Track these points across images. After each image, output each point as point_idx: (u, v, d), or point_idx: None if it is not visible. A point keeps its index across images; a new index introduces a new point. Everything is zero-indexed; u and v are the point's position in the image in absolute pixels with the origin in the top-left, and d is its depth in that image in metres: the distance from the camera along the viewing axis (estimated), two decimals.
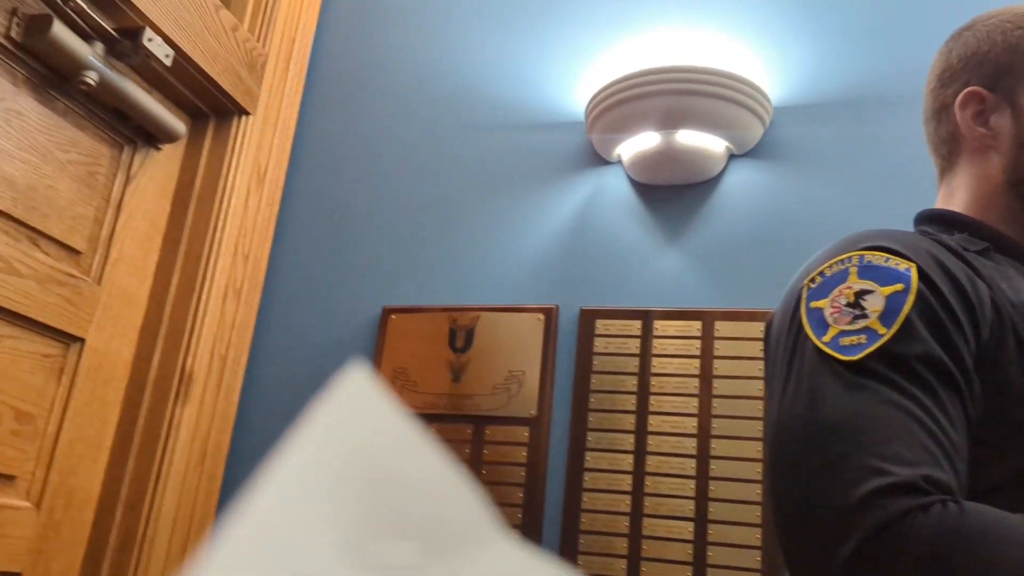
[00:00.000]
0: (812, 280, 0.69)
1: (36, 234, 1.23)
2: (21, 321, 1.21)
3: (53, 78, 1.25)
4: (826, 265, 0.69)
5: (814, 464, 0.60)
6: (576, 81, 1.53)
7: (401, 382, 1.41)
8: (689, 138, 1.33)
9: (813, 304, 0.67)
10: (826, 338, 0.64)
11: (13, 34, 1.17)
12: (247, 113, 1.55)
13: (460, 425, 1.36)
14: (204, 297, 1.44)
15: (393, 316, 1.47)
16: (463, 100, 1.60)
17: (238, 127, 1.54)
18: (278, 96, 1.64)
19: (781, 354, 0.69)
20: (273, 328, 1.56)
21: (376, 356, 1.45)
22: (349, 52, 1.73)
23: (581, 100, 1.50)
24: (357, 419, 0.28)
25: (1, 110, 1.17)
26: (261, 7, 1.63)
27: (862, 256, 0.68)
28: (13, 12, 1.18)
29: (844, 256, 0.69)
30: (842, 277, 0.67)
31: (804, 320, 0.67)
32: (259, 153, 1.58)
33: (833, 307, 0.66)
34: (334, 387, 0.28)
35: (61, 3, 1.21)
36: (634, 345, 1.30)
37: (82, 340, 1.31)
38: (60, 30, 1.20)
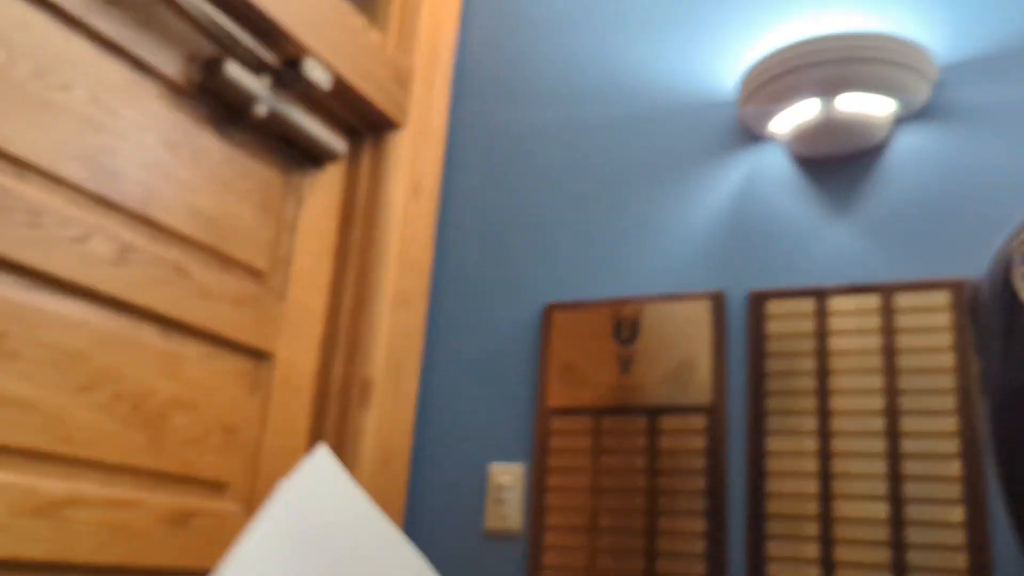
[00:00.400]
0: (1022, 243, 0.67)
1: (226, 260, 1.33)
2: (220, 341, 1.30)
3: (228, 113, 1.34)
4: None
5: None
6: (723, 60, 1.51)
7: (569, 377, 1.44)
8: (850, 105, 1.29)
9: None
10: None
11: (193, 77, 1.27)
12: (400, 126, 1.61)
13: (633, 417, 1.37)
14: (376, 308, 1.51)
15: (556, 313, 1.50)
16: (609, 90, 1.61)
17: (392, 141, 1.61)
18: (427, 106, 1.69)
19: (995, 322, 0.67)
20: (441, 333, 1.62)
21: (542, 354, 1.48)
22: (492, 55, 1.77)
23: (730, 78, 1.48)
24: (318, 503, 0.29)
25: (189, 148, 1.27)
26: (404, 22, 1.68)
27: None
28: (192, 57, 1.27)
29: None
30: None
31: (1018, 286, 0.65)
32: (414, 163, 1.64)
33: None
34: (297, 472, 0.29)
35: (232, 44, 1.29)
36: (809, 325, 1.27)
37: (272, 355, 1.40)
38: (233, 69, 1.28)
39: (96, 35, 1.13)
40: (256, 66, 1.34)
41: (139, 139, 1.19)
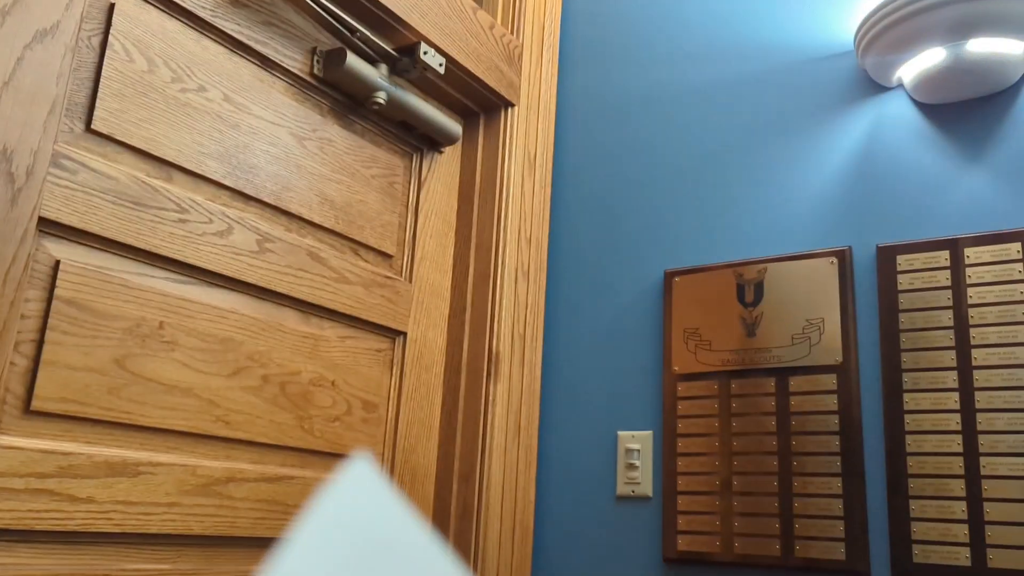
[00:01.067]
0: None
1: (357, 245, 1.39)
2: (356, 323, 1.37)
3: (350, 103, 1.40)
4: None
5: None
6: (840, 9, 1.45)
7: (694, 343, 1.44)
8: (980, 46, 1.23)
9: None
10: None
11: (315, 70, 1.32)
12: (512, 104, 1.63)
13: (761, 379, 1.35)
14: (498, 283, 1.54)
15: (676, 279, 1.49)
16: (721, 49, 1.58)
17: (505, 119, 1.63)
18: (537, 82, 1.71)
19: None
20: (562, 305, 1.64)
21: (664, 320, 1.48)
22: (597, 25, 1.76)
23: (849, 28, 1.43)
24: (357, 512, 0.29)
25: (316, 139, 1.33)
26: (511, 0, 1.70)
27: None
28: (313, 51, 1.33)
29: None
30: None
31: None
32: (527, 140, 1.66)
33: None
34: (335, 481, 0.29)
35: (350, 35, 1.34)
36: (943, 277, 1.23)
37: (404, 334, 1.45)
38: (353, 60, 1.33)
39: (226, 36, 1.20)
40: (374, 55, 1.39)
41: (270, 134, 1.25)
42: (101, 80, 1.03)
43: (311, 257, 1.29)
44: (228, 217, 1.16)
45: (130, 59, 1.07)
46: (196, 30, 1.16)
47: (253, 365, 1.18)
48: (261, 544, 1.17)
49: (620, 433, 1.50)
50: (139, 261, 1.05)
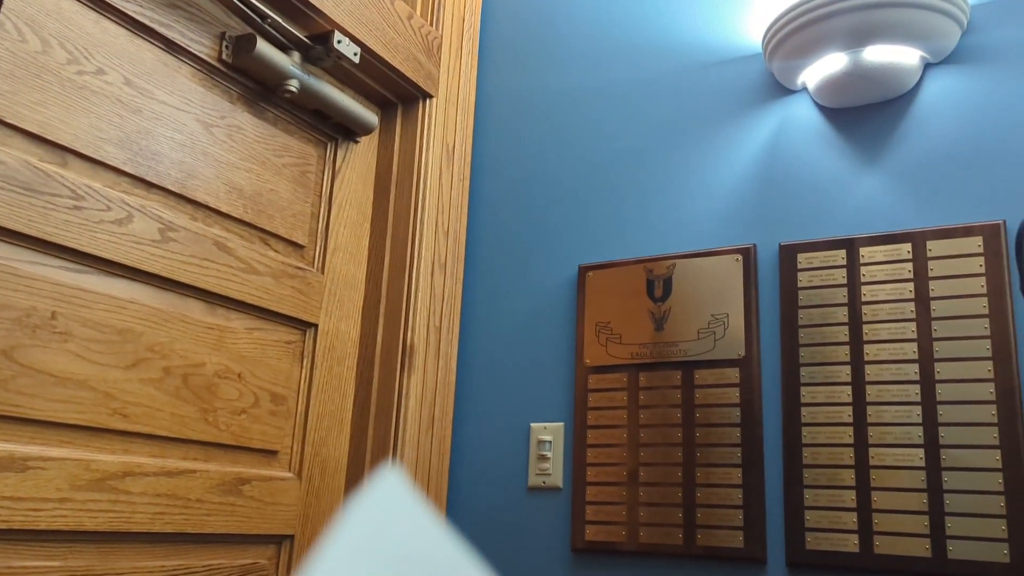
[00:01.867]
0: None
1: (266, 234, 1.37)
2: (265, 314, 1.35)
3: (261, 90, 1.37)
4: None
5: None
6: (749, 13, 1.49)
7: (606, 336, 1.46)
8: (879, 54, 1.27)
9: None
10: None
11: (224, 56, 1.30)
12: (430, 96, 1.63)
13: (668, 372, 1.38)
14: (415, 274, 1.54)
15: (590, 273, 1.51)
16: (635, 51, 1.60)
17: (423, 110, 1.63)
18: (456, 75, 1.71)
19: None
20: (479, 297, 1.65)
21: (578, 314, 1.50)
22: (517, 20, 1.77)
23: (756, 31, 1.46)
24: (389, 522, 0.30)
25: (224, 126, 1.31)
26: None
27: None
28: (222, 36, 1.30)
29: None
30: None
31: None
32: (445, 132, 1.65)
33: None
34: (367, 490, 0.30)
35: (260, 21, 1.32)
36: (840, 275, 1.27)
37: (315, 325, 1.44)
38: (263, 46, 1.31)
39: (127, 18, 1.16)
40: (286, 43, 1.37)
41: (175, 120, 1.22)
42: None
43: (218, 247, 1.26)
44: (128, 205, 1.13)
45: (22, 39, 1.03)
46: (95, 11, 1.13)
47: (154, 356, 1.16)
48: (159, 540, 1.14)
49: (533, 425, 1.52)
50: (29, 249, 1.02)
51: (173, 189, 1.21)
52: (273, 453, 1.35)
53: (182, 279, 1.20)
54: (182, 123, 1.23)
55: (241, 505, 1.26)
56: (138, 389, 1.13)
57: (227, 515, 1.23)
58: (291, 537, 1.35)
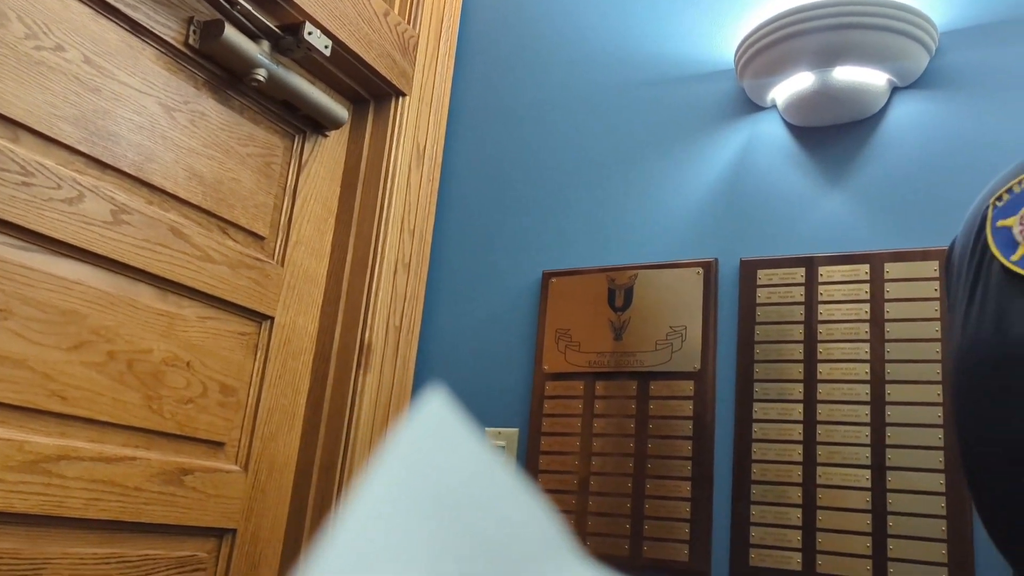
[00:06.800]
0: (999, 198, 0.66)
1: (225, 223, 1.35)
2: (219, 303, 1.33)
3: (228, 78, 1.36)
4: (1015, 182, 0.65)
5: (1005, 386, 0.58)
6: (723, 28, 1.49)
7: (565, 343, 1.45)
8: (848, 74, 1.27)
9: (1000, 223, 0.64)
10: (1015, 257, 0.61)
11: (191, 41, 1.28)
12: (403, 94, 1.62)
13: (625, 381, 1.37)
14: (377, 272, 1.52)
15: (553, 280, 1.50)
16: (609, 60, 1.60)
17: (396, 108, 1.62)
18: (431, 75, 1.70)
19: (964, 278, 0.66)
20: (442, 298, 1.64)
21: (539, 319, 1.49)
22: (495, 24, 1.76)
23: (730, 47, 1.46)
24: (436, 444, 0.29)
25: (187, 112, 1.29)
26: None
27: None
28: (189, 20, 1.29)
29: None
30: None
31: (990, 240, 0.64)
32: (417, 132, 1.64)
33: (1023, 225, 0.62)
34: (414, 413, 0.29)
35: (229, 7, 1.31)
36: (798, 293, 1.27)
37: (271, 318, 1.42)
38: (231, 33, 1.30)
39: None
40: (255, 31, 1.35)
41: (136, 102, 1.21)
42: None
43: (173, 232, 1.25)
44: (80, 184, 1.11)
45: None
46: None
47: (98, 340, 1.13)
48: (93, 527, 1.12)
49: (487, 430, 1.50)
50: None
51: (129, 171, 1.19)
52: (220, 445, 1.33)
53: (133, 263, 1.18)
54: (143, 105, 1.22)
55: (182, 496, 1.23)
56: (79, 372, 1.10)
57: (166, 505, 1.21)
58: (233, 531, 1.33)
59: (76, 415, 1.10)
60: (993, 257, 0.62)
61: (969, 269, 0.65)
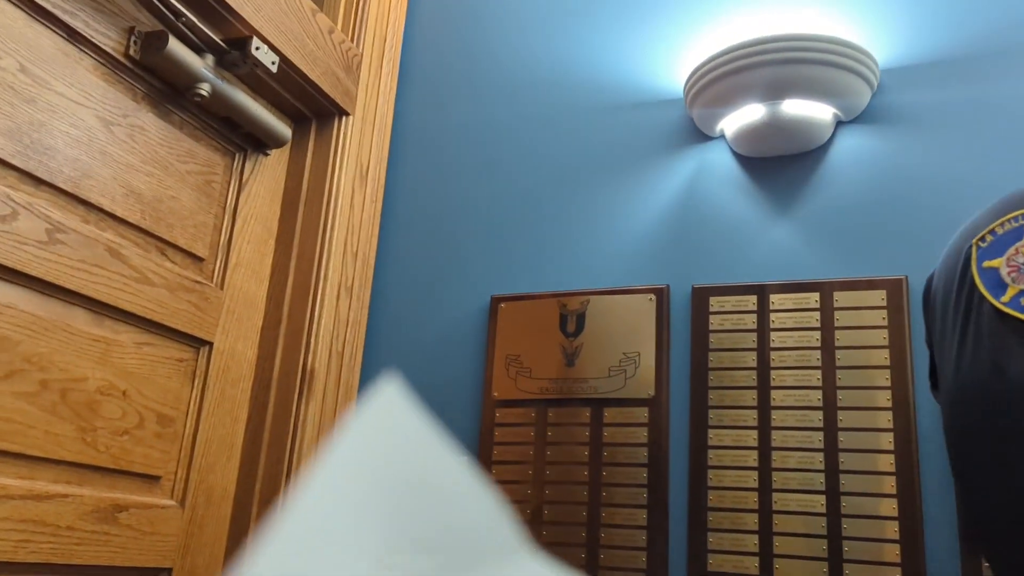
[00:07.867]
0: (982, 239, 0.67)
1: (164, 244, 1.29)
2: (156, 328, 1.26)
3: (169, 92, 1.30)
4: (997, 224, 0.67)
5: (1004, 428, 0.59)
6: (673, 58, 1.51)
7: (515, 369, 1.43)
8: (795, 108, 1.31)
9: (986, 264, 0.65)
10: (1005, 298, 0.63)
11: (132, 52, 1.22)
12: (347, 113, 1.58)
13: (578, 408, 1.36)
14: (319, 296, 1.48)
15: (502, 305, 1.48)
16: (558, 85, 1.60)
17: (339, 128, 1.58)
18: (374, 94, 1.66)
19: (952, 317, 0.67)
20: (386, 323, 1.60)
21: (488, 345, 1.47)
22: (440, 45, 1.75)
23: (680, 77, 1.48)
24: (388, 433, 0.28)
25: (126, 126, 1.22)
26: (353, 8, 1.65)
27: None
28: (130, 31, 1.23)
29: (1018, 213, 0.66)
30: (1018, 235, 0.65)
31: (977, 281, 0.65)
32: (360, 152, 1.61)
33: (1010, 266, 0.64)
34: (366, 401, 0.28)
35: (174, 19, 1.25)
36: (750, 320, 1.29)
37: (210, 344, 1.36)
38: (175, 45, 1.24)
39: (26, 1, 1.08)
40: (200, 44, 1.30)
41: (72, 114, 1.14)
42: None
43: (110, 253, 1.18)
44: (13, 201, 1.04)
45: None
46: None
47: (30, 368, 1.06)
48: (22, 571, 1.04)
49: None
50: None
51: (65, 188, 1.12)
52: (155, 479, 1.25)
53: (68, 285, 1.11)
54: (80, 118, 1.15)
55: (116, 534, 1.16)
56: (9, 403, 1.02)
57: (99, 545, 1.13)
58: (168, 571, 1.25)
59: (5, 450, 1.02)
60: (983, 298, 0.64)
61: (956, 309, 0.67)
